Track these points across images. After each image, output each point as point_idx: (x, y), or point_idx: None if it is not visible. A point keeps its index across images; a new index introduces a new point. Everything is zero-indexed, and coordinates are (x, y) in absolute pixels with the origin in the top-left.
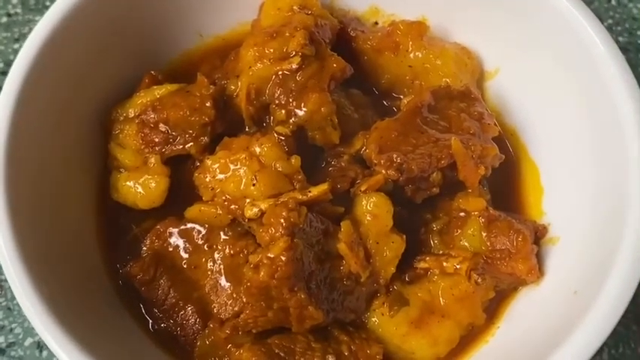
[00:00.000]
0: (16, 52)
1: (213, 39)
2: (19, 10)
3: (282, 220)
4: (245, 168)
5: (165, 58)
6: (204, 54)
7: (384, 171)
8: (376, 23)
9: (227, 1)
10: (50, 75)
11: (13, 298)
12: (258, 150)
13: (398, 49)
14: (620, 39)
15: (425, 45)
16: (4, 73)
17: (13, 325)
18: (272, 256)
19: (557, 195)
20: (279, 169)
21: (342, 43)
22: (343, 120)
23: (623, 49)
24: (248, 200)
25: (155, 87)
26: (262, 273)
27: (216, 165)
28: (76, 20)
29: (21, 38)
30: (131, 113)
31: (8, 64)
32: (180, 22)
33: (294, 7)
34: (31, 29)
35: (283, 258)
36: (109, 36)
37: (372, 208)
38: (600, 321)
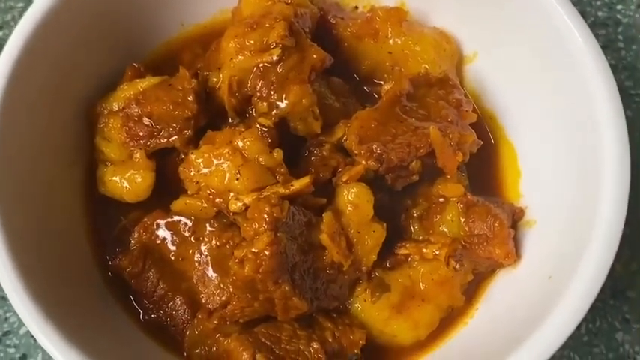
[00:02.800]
0: None
1: (194, 27)
2: None
3: (265, 216)
4: (228, 162)
5: (148, 48)
6: (185, 42)
7: (364, 162)
8: (356, 7)
9: None
10: (36, 70)
11: None
12: (240, 144)
13: (377, 36)
14: (600, 14)
15: (404, 31)
16: None
17: (8, 314)
18: (256, 250)
19: (534, 178)
20: (262, 163)
21: (322, 30)
22: (324, 109)
23: (603, 24)
24: (232, 194)
25: (138, 80)
26: (247, 267)
27: (200, 160)
28: (59, 14)
29: (4, 26)
30: (115, 107)
31: None
32: (161, 12)
33: None
34: (13, 16)
35: (267, 252)
36: (91, 28)
37: (354, 199)
38: (573, 305)
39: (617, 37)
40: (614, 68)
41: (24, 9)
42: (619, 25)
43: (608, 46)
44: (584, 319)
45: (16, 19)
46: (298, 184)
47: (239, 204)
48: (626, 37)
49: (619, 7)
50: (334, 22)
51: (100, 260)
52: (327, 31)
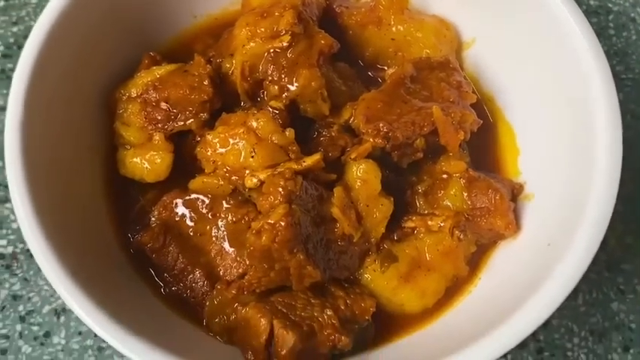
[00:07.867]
0: (15, 35)
1: (206, 18)
2: None
3: (280, 189)
4: (244, 142)
5: (161, 39)
6: (197, 33)
7: (371, 139)
8: None
9: None
10: (57, 61)
11: (29, 269)
12: (254, 124)
13: (381, 24)
14: (592, 2)
15: (406, 19)
16: (5, 56)
17: (31, 295)
18: (272, 222)
19: (531, 155)
20: (275, 141)
21: (328, 19)
22: (332, 92)
23: (594, 12)
24: (247, 171)
25: (155, 67)
26: (264, 238)
27: (217, 140)
28: (77, 7)
29: (19, 22)
30: (133, 93)
31: (8, 47)
32: (174, 4)
33: None
34: (27, 12)
35: (283, 223)
36: (107, 21)
37: (362, 174)
38: (572, 269)
39: (608, 24)
40: (606, 54)
41: (38, 5)
42: (610, 13)
43: (600, 34)
44: (581, 291)
45: (31, 14)
46: (310, 160)
47: (254, 180)
48: (617, 24)
49: None
50: (339, 11)
51: (121, 239)
52: (332, 19)
